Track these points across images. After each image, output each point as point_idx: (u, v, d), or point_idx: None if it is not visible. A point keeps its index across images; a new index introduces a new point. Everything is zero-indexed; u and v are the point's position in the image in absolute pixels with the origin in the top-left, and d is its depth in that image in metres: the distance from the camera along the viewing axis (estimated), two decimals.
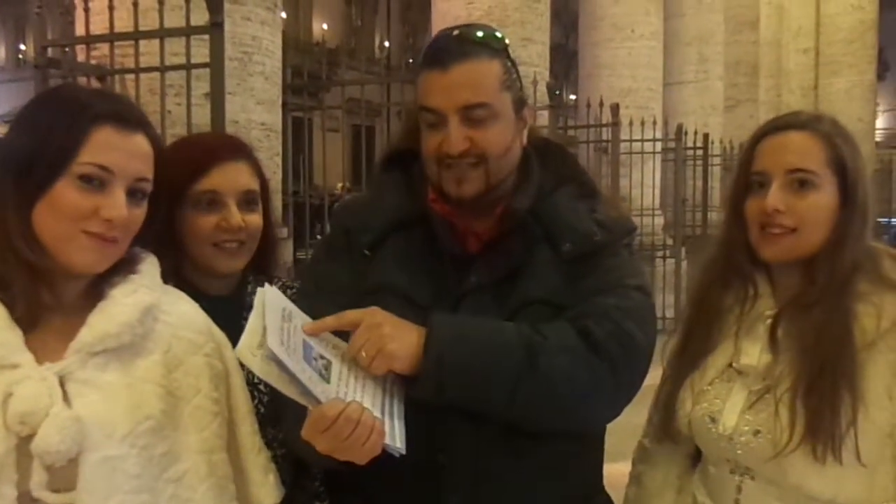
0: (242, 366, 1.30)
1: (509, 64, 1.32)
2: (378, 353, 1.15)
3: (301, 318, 1.16)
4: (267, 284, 1.18)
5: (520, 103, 1.33)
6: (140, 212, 1.11)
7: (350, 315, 1.18)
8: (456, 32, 1.30)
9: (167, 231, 1.34)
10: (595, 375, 1.21)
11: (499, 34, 1.32)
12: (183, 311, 1.21)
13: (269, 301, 1.11)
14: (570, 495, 1.35)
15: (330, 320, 1.18)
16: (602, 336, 1.22)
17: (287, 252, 4.14)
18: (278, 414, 1.32)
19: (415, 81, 1.34)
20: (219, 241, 1.45)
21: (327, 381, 1.11)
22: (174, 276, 1.22)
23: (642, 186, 7.13)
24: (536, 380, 1.18)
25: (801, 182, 1.30)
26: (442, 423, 1.25)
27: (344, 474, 1.19)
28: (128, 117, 1.11)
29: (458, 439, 1.26)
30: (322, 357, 1.13)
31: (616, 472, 1.55)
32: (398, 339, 1.17)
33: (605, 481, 1.46)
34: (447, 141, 1.25)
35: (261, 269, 1.55)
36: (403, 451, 1.12)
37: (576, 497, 1.37)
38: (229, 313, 1.37)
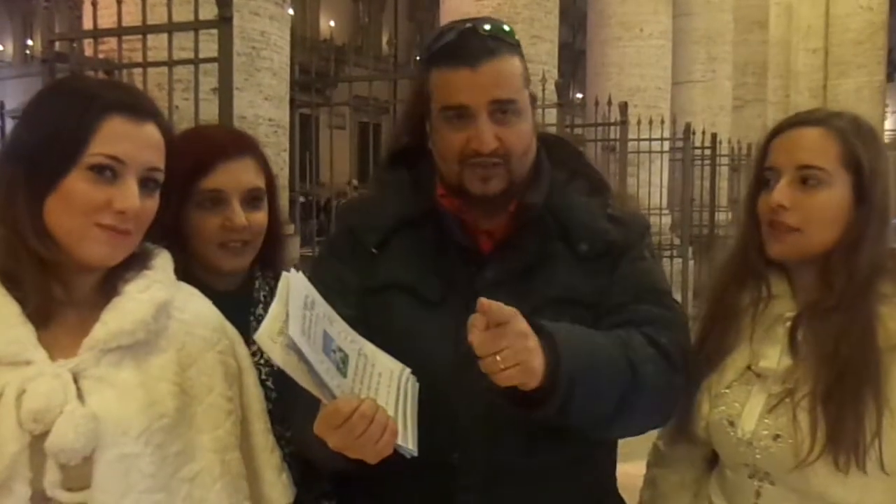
0: (253, 361, 1.28)
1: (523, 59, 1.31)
2: (517, 365, 1.07)
3: (323, 307, 1.11)
4: (293, 269, 1.12)
5: (533, 99, 1.32)
6: (152, 203, 1.09)
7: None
8: (469, 26, 1.26)
9: (175, 226, 1.32)
10: (670, 384, 1.24)
11: (507, 27, 1.30)
12: (196, 309, 1.19)
13: (294, 287, 1.06)
14: (583, 496, 1.34)
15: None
16: (666, 345, 1.24)
17: (294, 248, 4.12)
18: (285, 412, 1.31)
19: (424, 78, 1.30)
20: (224, 240, 1.43)
21: (344, 374, 1.08)
22: (182, 271, 1.21)
23: (650, 186, 7.09)
24: (636, 391, 1.19)
25: (809, 179, 1.26)
26: (456, 422, 1.24)
27: (353, 473, 1.17)
28: (138, 107, 1.09)
29: (472, 438, 1.25)
30: (340, 350, 1.10)
31: (627, 473, 1.53)
32: (538, 355, 1.09)
33: (618, 482, 1.44)
34: (477, 138, 1.23)
35: (268, 265, 1.54)
36: (415, 453, 1.09)
37: (589, 498, 1.36)
38: (237, 309, 1.36)
